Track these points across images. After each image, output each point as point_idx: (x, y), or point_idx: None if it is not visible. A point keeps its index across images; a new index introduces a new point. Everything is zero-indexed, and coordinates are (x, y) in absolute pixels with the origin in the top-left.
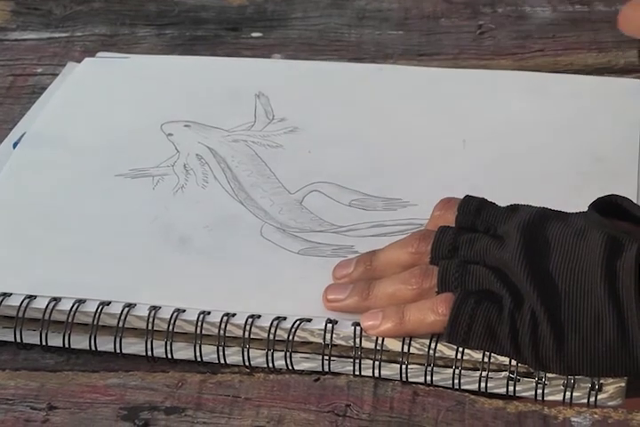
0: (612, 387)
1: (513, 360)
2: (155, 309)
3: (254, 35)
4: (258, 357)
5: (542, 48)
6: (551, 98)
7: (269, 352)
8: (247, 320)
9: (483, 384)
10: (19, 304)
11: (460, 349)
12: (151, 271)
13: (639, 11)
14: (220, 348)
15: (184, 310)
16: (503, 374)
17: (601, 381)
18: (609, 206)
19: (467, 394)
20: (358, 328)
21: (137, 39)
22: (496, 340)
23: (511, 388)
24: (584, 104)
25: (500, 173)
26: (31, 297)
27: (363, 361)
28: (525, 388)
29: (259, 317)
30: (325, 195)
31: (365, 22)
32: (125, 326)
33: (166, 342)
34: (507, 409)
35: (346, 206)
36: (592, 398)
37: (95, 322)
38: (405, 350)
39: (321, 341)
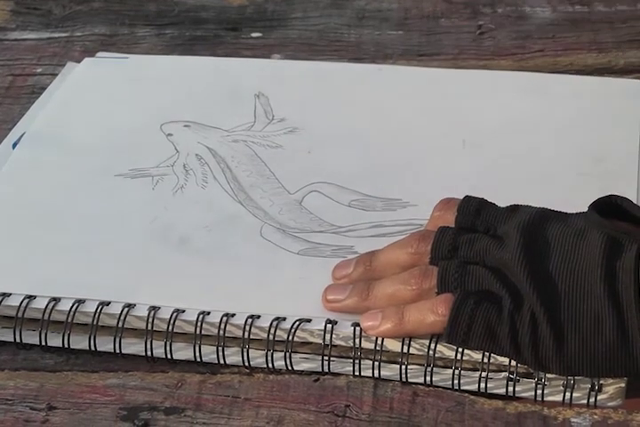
0: (611, 388)
1: (513, 361)
2: (154, 309)
3: (254, 35)
4: (257, 357)
5: (542, 48)
6: (551, 98)
7: (269, 353)
8: (247, 320)
9: (482, 385)
10: (18, 304)
11: (460, 349)
12: (151, 271)
13: None
14: (220, 348)
15: (184, 311)
16: (503, 374)
17: (601, 381)
18: (609, 207)
19: (466, 395)
20: (358, 329)
21: (136, 39)
22: (496, 340)
23: (511, 388)
24: (584, 105)
25: (499, 174)
26: (31, 297)
27: (362, 362)
28: (525, 388)
29: (258, 317)
30: (325, 195)
31: (365, 22)
32: (125, 326)
33: (166, 343)
34: (506, 410)
35: (345, 207)
36: (592, 399)
37: (95, 322)
38: (405, 350)
39: (320, 341)
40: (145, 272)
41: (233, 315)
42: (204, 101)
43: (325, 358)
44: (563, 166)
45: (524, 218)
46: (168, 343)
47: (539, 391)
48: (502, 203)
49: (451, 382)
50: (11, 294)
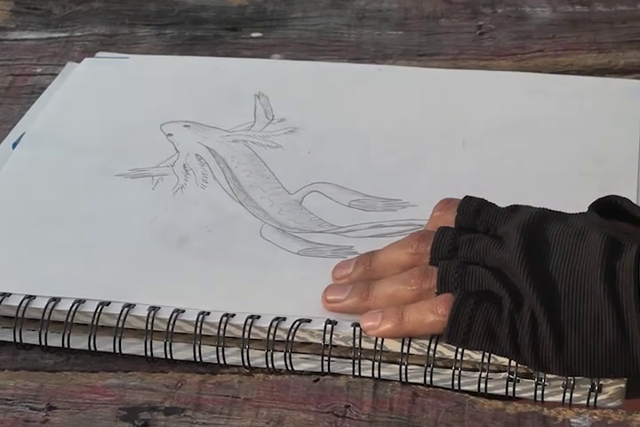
0: (611, 388)
1: (512, 361)
2: (154, 309)
3: (254, 35)
4: (257, 357)
5: (542, 48)
6: (551, 99)
7: (269, 353)
8: (247, 321)
9: (482, 385)
10: (18, 304)
11: (460, 349)
12: (150, 272)
13: None
14: (220, 348)
15: (183, 311)
16: (503, 374)
17: (600, 382)
18: (609, 207)
19: (466, 395)
20: (358, 329)
21: (136, 39)
22: (496, 340)
23: (511, 389)
24: (584, 105)
25: (499, 174)
26: (30, 297)
27: (362, 362)
28: (525, 389)
29: (258, 317)
30: (325, 195)
31: (365, 22)
32: (125, 326)
33: (166, 343)
34: (506, 410)
35: (345, 207)
36: (592, 400)
37: (94, 322)
38: (405, 350)
39: (320, 341)
40: (145, 272)
41: (233, 315)
42: (203, 101)
43: (325, 358)
44: (563, 166)
45: (524, 218)
46: (168, 343)
47: (538, 392)
48: (502, 203)
49: (450, 383)
50: (10, 294)
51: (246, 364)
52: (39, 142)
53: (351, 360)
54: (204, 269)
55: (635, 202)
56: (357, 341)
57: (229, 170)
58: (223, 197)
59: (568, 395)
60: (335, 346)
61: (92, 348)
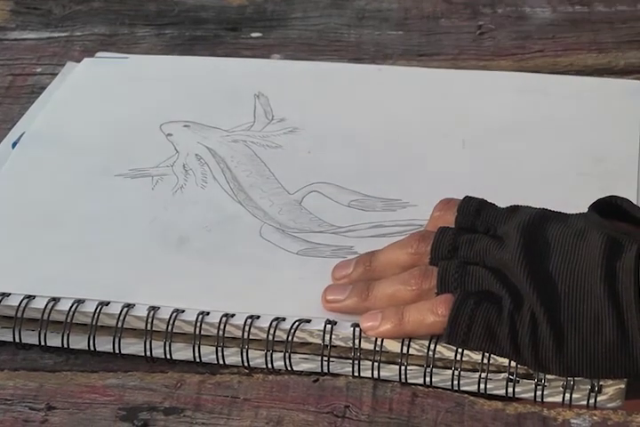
0: (611, 389)
1: (512, 361)
2: (154, 309)
3: (254, 35)
4: (257, 357)
5: (542, 49)
6: (551, 99)
7: (268, 353)
8: (246, 321)
9: (482, 386)
10: (17, 304)
11: (460, 350)
12: (150, 272)
13: None
14: (219, 348)
15: (183, 311)
16: (502, 375)
17: (600, 382)
18: (609, 207)
19: (466, 395)
20: (357, 329)
21: (136, 39)
22: (495, 341)
23: (510, 389)
24: (584, 105)
25: (499, 174)
26: (30, 297)
27: (362, 362)
28: (525, 389)
29: (258, 317)
30: (325, 195)
31: (365, 22)
32: (124, 326)
33: (165, 343)
34: (506, 411)
35: (345, 207)
36: (592, 400)
37: (94, 322)
38: (405, 351)
39: (320, 341)
40: (144, 272)
41: (232, 315)
42: (203, 101)
43: (325, 358)
44: (563, 166)
45: (524, 218)
46: (167, 343)
47: (538, 392)
48: (502, 203)
49: (450, 383)
50: (10, 294)
51: (246, 364)
52: (39, 142)
53: (351, 361)
54: (204, 270)
55: (635, 202)
56: (357, 341)
57: (229, 170)
58: (223, 197)
59: (568, 395)
60: (335, 346)
61: (92, 348)
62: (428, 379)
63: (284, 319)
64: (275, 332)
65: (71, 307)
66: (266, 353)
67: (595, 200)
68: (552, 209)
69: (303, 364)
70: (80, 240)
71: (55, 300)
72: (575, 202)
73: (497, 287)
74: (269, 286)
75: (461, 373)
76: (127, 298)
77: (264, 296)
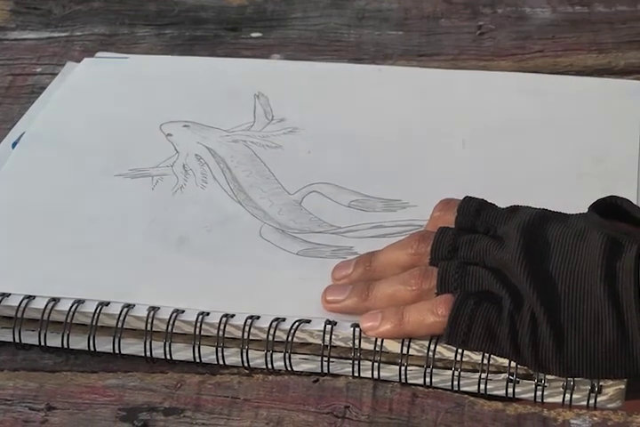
0: (611, 389)
1: (512, 362)
2: (154, 309)
3: (254, 35)
4: (257, 358)
5: (542, 49)
6: (551, 99)
7: (268, 353)
8: (246, 321)
9: (482, 386)
10: (17, 304)
11: (460, 350)
12: (150, 272)
13: None
14: (219, 349)
15: (183, 311)
16: (502, 375)
17: (600, 383)
18: (609, 208)
19: (466, 396)
20: (357, 329)
21: (136, 39)
22: (495, 341)
23: (510, 390)
24: (584, 105)
25: (499, 174)
26: (30, 297)
27: (362, 362)
28: (525, 390)
29: (258, 318)
30: (325, 196)
31: (365, 22)
32: (124, 326)
33: (165, 343)
34: (506, 411)
35: (345, 207)
36: (592, 401)
37: (94, 322)
38: (405, 351)
39: (320, 342)
40: (144, 272)
41: (232, 315)
42: (203, 101)
43: (325, 358)
44: (563, 167)
45: (524, 219)
46: (167, 344)
47: (538, 393)
48: (502, 203)
49: (450, 384)
50: (10, 294)
51: (246, 364)
52: (39, 142)
53: (351, 361)
54: (204, 270)
55: (635, 202)
56: (357, 341)
57: (229, 170)
58: (223, 197)
59: (568, 396)
60: (335, 347)
61: (92, 348)
62: (427, 379)
63: (283, 320)
64: (275, 332)
65: (71, 307)
66: (266, 353)
67: (595, 200)
68: (552, 209)
69: (303, 364)
70: (80, 240)
71: (55, 300)
72: (575, 202)
73: (497, 288)
74: (269, 287)
75: (461, 373)
76: (127, 298)
77: (264, 296)
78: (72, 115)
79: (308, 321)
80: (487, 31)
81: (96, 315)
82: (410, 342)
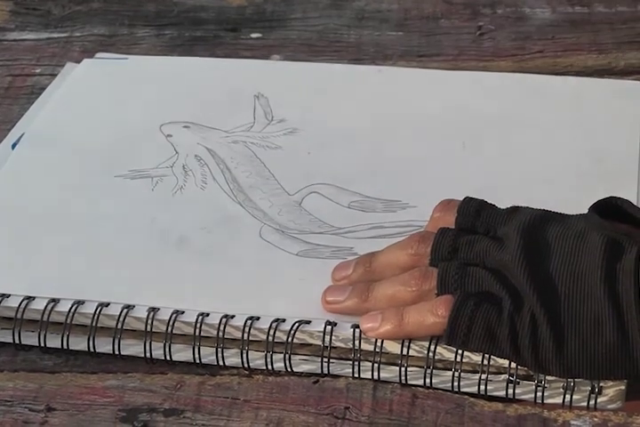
0: (611, 390)
1: (512, 363)
2: (153, 310)
3: (253, 35)
4: (257, 359)
5: (542, 49)
6: (551, 100)
7: (268, 354)
8: (246, 322)
9: (482, 387)
10: (17, 305)
11: (460, 351)
12: (150, 273)
13: None
14: (219, 350)
15: (183, 312)
16: (503, 376)
17: (601, 384)
18: (609, 208)
19: (466, 397)
20: (357, 330)
21: (136, 40)
22: (496, 342)
23: (511, 391)
24: (584, 106)
25: (499, 175)
26: (30, 298)
27: (362, 363)
28: (525, 391)
29: (258, 318)
30: (325, 196)
31: (365, 23)
32: (124, 327)
33: (165, 344)
34: (506, 412)
35: (345, 208)
36: (592, 402)
37: (94, 323)
38: (405, 352)
39: (320, 343)
40: (144, 273)
41: (232, 316)
42: (203, 102)
43: (325, 359)
44: (563, 167)
45: (524, 219)
46: (167, 345)
47: (539, 394)
48: (502, 204)
49: (450, 385)
50: (10, 295)
51: (246, 365)
52: (38, 143)
53: (351, 362)
54: (204, 270)
55: (635, 202)
56: (357, 342)
57: (229, 171)
58: (222, 197)
59: (568, 397)
60: (335, 347)
61: (92, 349)
62: (428, 380)
63: (283, 320)
64: (275, 333)
65: (71, 308)
66: (266, 354)
67: (595, 201)
68: (552, 209)
69: (303, 365)
70: (80, 241)
71: (55, 301)
72: (575, 202)
73: (497, 288)
74: (269, 287)
75: (461, 374)
76: (127, 299)
77: (264, 297)
78: (72, 115)
79: (308, 322)
80: (487, 32)
81: (96, 316)
82: (410, 343)
